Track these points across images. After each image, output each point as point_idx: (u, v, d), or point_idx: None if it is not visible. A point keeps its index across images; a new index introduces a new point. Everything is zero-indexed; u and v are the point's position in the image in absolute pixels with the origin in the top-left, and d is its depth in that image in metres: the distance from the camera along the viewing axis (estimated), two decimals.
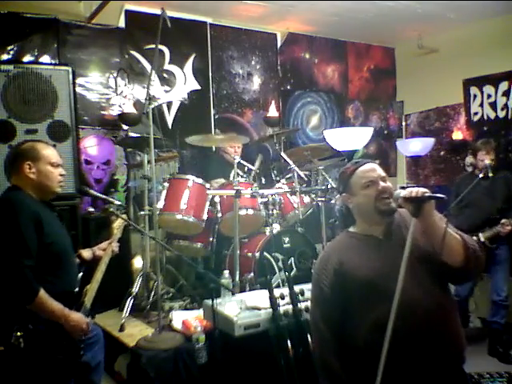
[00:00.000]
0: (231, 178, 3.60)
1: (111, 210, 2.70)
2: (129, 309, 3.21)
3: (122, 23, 4.37)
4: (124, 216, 2.74)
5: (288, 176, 3.94)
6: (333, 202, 3.80)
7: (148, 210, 3.46)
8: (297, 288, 2.62)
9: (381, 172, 1.90)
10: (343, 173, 1.97)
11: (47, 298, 2.09)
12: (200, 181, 3.54)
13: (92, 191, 3.18)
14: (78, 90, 3.98)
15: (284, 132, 4.43)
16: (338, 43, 5.64)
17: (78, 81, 4.02)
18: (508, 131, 4.79)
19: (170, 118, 4.61)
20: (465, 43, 5.14)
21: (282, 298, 2.52)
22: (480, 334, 3.94)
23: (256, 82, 5.14)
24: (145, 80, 4.41)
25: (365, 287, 1.75)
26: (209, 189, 3.57)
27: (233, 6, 4.54)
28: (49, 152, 2.34)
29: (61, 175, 2.36)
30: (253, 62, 5.12)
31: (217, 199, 3.63)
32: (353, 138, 4.11)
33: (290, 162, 3.76)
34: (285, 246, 3.51)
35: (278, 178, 4.03)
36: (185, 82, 4.70)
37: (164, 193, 3.46)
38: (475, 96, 5.14)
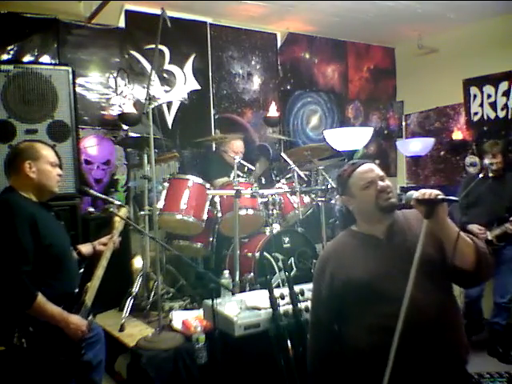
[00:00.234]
0: (231, 178, 3.60)
1: (111, 209, 2.70)
2: (129, 309, 3.21)
3: (122, 23, 4.37)
4: (124, 210, 2.71)
5: (288, 176, 3.94)
6: (333, 202, 3.81)
7: (148, 210, 3.46)
8: (297, 288, 2.62)
9: (379, 171, 1.90)
10: (341, 175, 1.97)
11: (45, 302, 2.08)
12: (200, 181, 3.55)
13: (92, 191, 3.18)
14: (78, 90, 3.98)
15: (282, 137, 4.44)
16: (338, 43, 5.64)
17: (78, 81, 4.02)
18: (508, 131, 4.79)
19: (169, 118, 4.61)
20: (465, 43, 5.14)
21: (282, 298, 2.52)
22: (480, 334, 3.94)
23: (256, 82, 5.14)
24: (145, 80, 4.41)
25: (361, 288, 1.75)
26: (209, 189, 3.58)
27: (233, 5, 4.54)
28: (47, 152, 2.35)
29: (58, 175, 2.36)
30: (253, 62, 5.12)
31: (217, 199, 3.63)
32: (353, 138, 4.11)
33: (290, 162, 3.77)
34: (285, 245, 3.51)
35: (278, 178, 4.03)
36: (185, 81, 4.70)
37: (164, 193, 3.46)
38: (475, 96, 5.14)
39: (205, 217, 3.51)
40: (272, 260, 3.27)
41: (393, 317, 1.59)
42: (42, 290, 2.09)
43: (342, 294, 1.81)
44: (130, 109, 4.03)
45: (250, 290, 3.21)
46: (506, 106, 4.87)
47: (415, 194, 1.73)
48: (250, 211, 3.56)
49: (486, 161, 3.78)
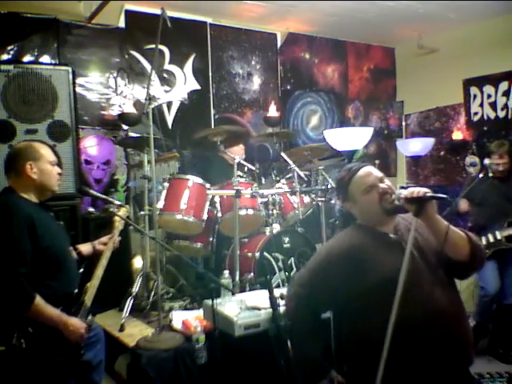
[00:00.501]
0: (232, 178, 3.59)
1: (111, 209, 2.69)
2: (129, 309, 3.20)
3: (122, 23, 4.37)
4: (124, 210, 2.71)
5: (288, 176, 3.94)
6: (333, 202, 3.81)
7: (148, 210, 3.46)
8: None
9: (377, 173, 1.90)
10: (340, 182, 1.96)
11: (44, 304, 2.07)
12: (200, 181, 3.54)
13: (92, 191, 3.17)
14: (78, 90, 3.98)
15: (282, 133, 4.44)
16: (338, 43, 5.64)
17: (78, 81, 4.02)
18: (508, 131, 4.79)
19: (169, 118, 4.61)
20: (465, 43, 5.14)
21: (282, 298, 2.52)
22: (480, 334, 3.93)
23: (256, 82, 5.14)
24: (145, 80, 4.41)
25: (387, 285, 1.67)
26: (209, 189, 3.57)
27: (233, 5, 4.54)
28: (46, 151, 2.34)
29: (58, 174, 2.36)
30: (253, 62, 5.12)
31: (217, 199, 3.63)
32: (353, 138, 4.11)
33: (290, 162, 3.76)
34: (285, 245, 3.51)
35: (278, 178, 4.03)
36: (185, 82, 4.71)
37: (164, 193, 3.46)
38: (475, 96, 5.14)
39: (205, 217, 3.50)
40: (272, 260, 3.28)
41: (413, 312, 1.64)
42: (41, 291, 2.08)
43: (369, 289, 1.75)
44: (129, 109, 4.03)
45: (250, 290, 3.21)
46: (506, 106, 4.88)
47: (404, 192, 1.75)
48: (250, 211, 3.56)
49: (493, 161, 3.72)
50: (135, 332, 3.01)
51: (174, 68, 4.65)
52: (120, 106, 4.30)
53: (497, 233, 3.64)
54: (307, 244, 3.64)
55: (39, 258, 2.12)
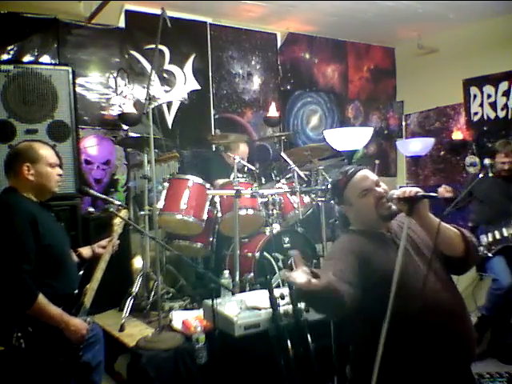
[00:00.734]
0: (231, 178, 3.60)
1: (111, 209, 2.70)
2: (129, 309, 3.21)
3: (122, 23, 4.37)
4: (124, 212, 2.72)
5: (288, 176, 3.94)
6: (333, 202, 3.81)
7: (148, 210, 3.46)
8: None
9: (373, 177, 1.91)
10: (336, 185, 1.96)
11: (46, 302, 2.07)
12: (200, 181, 3.54)
13: (92, 191, 3.18)
14: (78, 90, 3.97)
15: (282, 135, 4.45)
16: (338, 43, 5.64)
17: (78, 81, 4.02)
18: (508, 131, 4.79)
19: (169, 118, 4.61)
20: (465, 43, 5.14)
21: (282, 298, 2.52)
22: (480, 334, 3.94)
23: (256, 82, 5.14)
24: (145, 80, 4.41)
25: (389, 281, 1.64)
26: (209, 189, 3.58)
27: (233, 6, 4.54)
28: (47, 152, 2.33)
29: (58, 175, 2.36)
30: (253, 62, 5.12)
31: (217, 199, 3.63)
32: (353, 138, 4.10)
33: (290, 162, 3.77)
34: (285, 245, 3.51)
35: (278, 178, 4.03)
36: (185, 82, 4.70)
37: (164, 193, 3.46)
38: (475, 96, 5.14)
39: (205, 217, 3.51)
40: (272, 260, 3.27)
41: (411, 307, 1.65)
42: (42, 290, 2.08)
43: (371, 287, 1.73)
44: (129, 109, 4.03)
45: (250, 290, 3.21)
46: (506, 106, 4.87)
47: (396, 192, 1.77)
48: (250, 211, 3.56)
49: (498, 160, 3.72)
50: (135, 332, 3.01)
51: (174, 68, 4.65)
52: (120, 106, 4.30)
53: (503, 229, 3.66)
54: (307, 244, 3.64)
55: (40, 256, 2.13)
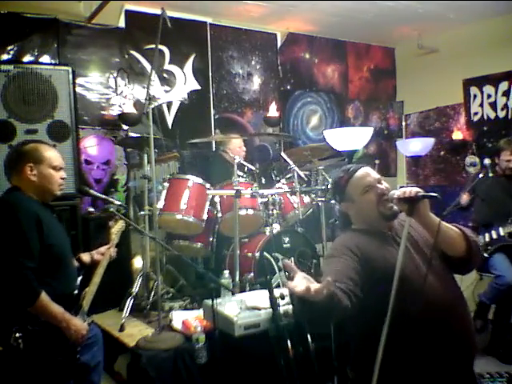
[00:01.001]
0: (232, 178, 3.60)
1: (111, 210, 2.70)
2: (129, 309, 3.21)
3: (122, 23, 4.37)
4: (121, 223, 2.73)
5: (288, 176, 3.94)
6: (333, 202, 3.81)
7: (148, 210, 3.46)
8: None
9: (375, 175, 1.92)
10: (337, 182, 1.96)
11: (48, 300, 2.08)
12: (200, 181, 3.54)
13: (92, 191, 3.18)
14: (78, 90, 3.97)
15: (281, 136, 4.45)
16: (338, 43, 5.64)
17: (78, 81, 4.02)
18: (508, 131, 4.79)
19: (169, 118, 4.61)
20: (465, 43, 5.14)
21: (282, 298, 2.51)
22: (480, 334, 3.94)
23: (256, 82, 5.14)
24: (145, 80, 4.41)
25: (391, 280, 1.63)
26: (209, 189, 3.58)
27: (233, 5, 4.54)
28: (51, 154, 2.33)
29: (62, 178, 2.35)
30: (253, 62, 5.12)
31: (217, 199, 3.63)
32: (353, 137, 4.10)
33: (290, 162, 3.77)
34: (285, 245, 3.51)
35: (278, 178, 4.03)
36: (185, 82, 4.70)
37: (164, 193, 3.46)
38: (475, 96, 5.14)
39: (205, 217, 3.51)
40: (272, 260, 3.27)
41: (411, 305, 1.65)
42: (42, 289, 2.09)
43: (372, 286, 1.73)
44: (129, 109, 4.02)
45: (250, 290, 3.21)
46: (506, 106, 4.88)
47: (396, 192, 1.77)
48: (250, 211, 3.56)
49: (504, 158, 3.71)
50: (135, 332, 3.01)
51: (174, 68, 4.65)
52: (120, 106, 4.30)
53: (500, 229, 3.67)
54: (307, 244, 3.64)
55: (42, 255, 2.14)
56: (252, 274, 3.39)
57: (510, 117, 4.84)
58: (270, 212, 3.71)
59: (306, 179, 3.87)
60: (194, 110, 4.74)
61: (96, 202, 3.99)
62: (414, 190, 1.72)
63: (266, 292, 2.49)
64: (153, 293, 3.38)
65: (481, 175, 3.86)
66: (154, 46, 3.37)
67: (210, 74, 4.85)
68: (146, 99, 2.91)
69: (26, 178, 2.24)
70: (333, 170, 4.44)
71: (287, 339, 2.31)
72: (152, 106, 2.96)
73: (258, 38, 5.13)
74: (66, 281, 2.27)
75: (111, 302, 3.46)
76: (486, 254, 3.67)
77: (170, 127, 4.60)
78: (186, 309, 3.34)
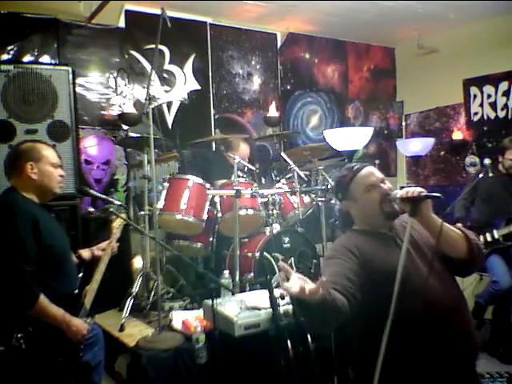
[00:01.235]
0: (232, 178, 3.60)
1: (111, 209, 2.70)
2: (129, 309, 3.21)
3: (122, 23, 4.37)
4: (124, 215, 2.73)
5: (288, 176, 3.94)
6: (333, 201, 3.81)
7: (148, 210, 3.46)
8: None
9: (379, 174, 1.91)
10: (341, 180, 1.96)
11: (47, 303, 2.07)
12: (200, 181, 3.54)
13: (92, 191, 3.18)
14: (78, 90, 3.97)
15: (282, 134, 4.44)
16: (338, 43, 5.64)
17: (78, 81, 4.02)
18: (508, 131, 4.79)
19: (169, 118, 4.61)
20: (465, 43, 5.14)
21: (282, 298, 2.51)
22: (480, 334, 3.94)
23: (256, 81, 5.14)
24: (145, 80, 4.41)
25: (391, 281, 1.62)
26: (209, 189, 3.57)
27: (233, 5, 4.54)
28: (49, 152, 2.34)
29: (60, 176, 2.36)
30: (253, 62, 5.12)
31: (217, 199, 3.63)
32: (353, 138, 4.11)
33: (290, 162, 3.77)
34: (285, 245, 3.51)
35: (278, 178, 4.03)
36: (185, 81, 4.70)
37: (164, 193, 3.46)
38: (475, 96, 5.14)
39: (205, 217, 3.50)
40: (272, 260, 3.27)
41: (412, 306, 1.65)
42: (42, 290, 2.08)
43: (372, 287, 1.72)
44: (129, 109, 4.03)
45: (249, 290, 3.21)
46: (506, 106, 4.88)
47: (399, 192, 1.77)
48: (250, 211, 3.55)
49: (508, 156, 3.67)
50: (135, 332, 3.01)
51: (174, 68, 4.65)
52: (120, 106, 4.30)
53: (494, 231, 3.65)
54: (307, 244, 3.64)
55: (41, 256, 2.13)
56: (252, 274, 3.38)
57: (510, 117, 4.84)
58: (270, 212, 3.71)
59: (305, 179, 3.87)
60: (194, 110, 4.74)
61: (96, 202, 3.99)
62: (417, 190, 1.71)
63: (265, 292, 2.49)
64: (153, 293, 3.37)
65: (481, 175, 3.85)
66: (154, 46, 3.37)
67: (210, 73, 4.85)
68: (145, 99, 2.91)
69: (27, 176, 2.24)
70: (333, 169, 4.44)
71: (287, 339, 2.31)
72: (152, 106, 2.96)
73: (258, 37, 5.14)
74: (66, 281, 2.27)
75: (111, 302, 3.46)
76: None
77: (170, 127, 4.60)
78: (186, 309, 3.33)
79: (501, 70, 4.85)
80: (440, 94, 5.41)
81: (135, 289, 3.37)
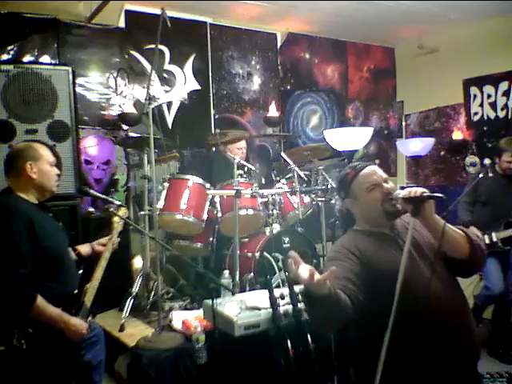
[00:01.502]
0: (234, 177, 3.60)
1: (111, 209, 2.70)
2: (129, 309, 3.21)
3: (122, 23, 4.37)
4: (124, 210, 2.71)
5: (288, 176, 3.94)
6: (333, 202, 3.81)
7: (148, 210, 3.46)
8: (297, 288, 2.62)
9: (382, 174, 1.91)
10: (343, 179, 1.96)
11: (45, 304, 2.07)
12: (200, 181, 3.54)
13: (92, 191, 3.17)
14: (78, 90, 3.97)
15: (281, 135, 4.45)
16: (338, 43, 5.64)
17: (78, 81, 4.02)
18: (508, 131, 4.78)
19: (169, 118, 4.61)
20: (465, 43, 5.13)
21: (282, 298, 2.52)
22: (480, 334, 3.94)
23: (256, 82, 5.14)
24: (145, 80, 4.41)
25: (392, 282, 1.63)
26: (209, 189, 3.58)
27: (233, 6, 4.54)
28: (46, 152, 2.36)
29: (57, 175, 2.37)
30: (253, 62, 5.12)
31: (217, 199, 3.63)
32: (353, 138, 4.11)
33: (290, 162, 3.77)
34: (285, 245, 3.52)
35: (278, 178, 4.03)
36: (185, 82, 4.70)
37: (164, 193, 3.46)
38: (475, 96, 5.14)
39: (205, 217, 3.51)
40: (272, 260, 3.27)
41: (413, 307, 1.64)
42: (41, 291, 2.08)
43: (372, 287, 1.72)
44: (129, 109, 4.03)
45: (249, 290, 3.21)
46: (506, 106, 4.87)
47: (402, 192, 1.76)
48: (250, 211, 3.56)
49: (505, 158, 3.66)
50: (135, 332, 3.01)
51: (174, 68, 4.65)
52: (120, 106, 4.30)
53: (493, 235, 3.62)
54: (307, 244, 3.64)
55: (38, 258, 2.13)
56: (252, 274, 3.38)
57: (510, 117, 4.84)
58: (270, 212, 3.71)
59: (305, 179, 3.87)
60: (194, 110, 4.73)
61: (96, 202, 3.99)
62: (419, 190, 1.70)
63: (266, 292, 2.50)
64: (153, 293, 3.37)
65: (481, 175, 3.84)
66: (154, 46, 3.37)
67: (210, 74, 4.85)
68: (146, 99, 2.91)
69: (27, 175, 2.25)
70: (333, 169, 4.44)
71: (287, 339, 2.31)
72: (152, 106, 2.96)
73: (258, 38, 5.13)
74: (65, 281, 2.27)
75: (111, 302, 3.47)
76: None
77: (170, 127, 4.60)
78: (186, 309, 3.33)
79: (501, 70, 4.85)
80: (440, 94, 5.41)
81: (135, 289, 3.37)
